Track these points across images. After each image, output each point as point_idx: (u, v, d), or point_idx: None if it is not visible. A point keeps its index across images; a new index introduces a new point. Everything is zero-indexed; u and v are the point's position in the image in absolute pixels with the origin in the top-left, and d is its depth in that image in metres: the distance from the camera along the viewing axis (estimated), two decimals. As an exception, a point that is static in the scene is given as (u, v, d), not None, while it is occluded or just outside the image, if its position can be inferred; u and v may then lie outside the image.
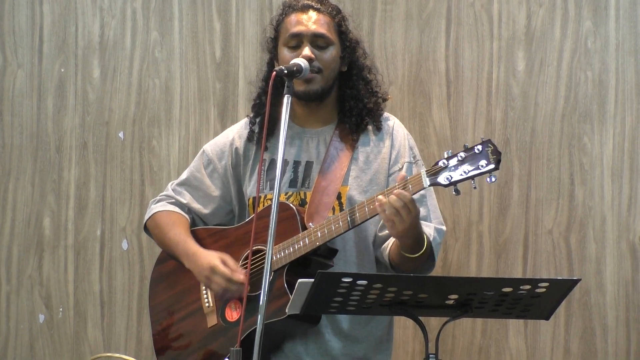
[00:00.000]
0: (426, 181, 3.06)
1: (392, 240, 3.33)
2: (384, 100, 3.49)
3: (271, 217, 2.97)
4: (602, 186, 4.36)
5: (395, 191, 3.08)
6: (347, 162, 3.39)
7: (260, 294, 2.97)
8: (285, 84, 3.17)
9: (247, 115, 3.59)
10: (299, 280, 2.93)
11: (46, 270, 4.66)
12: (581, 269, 4.36)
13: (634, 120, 4.35)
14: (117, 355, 4.07)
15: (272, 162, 3.45)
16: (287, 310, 3.07)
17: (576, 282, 2.93)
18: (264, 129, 3.21)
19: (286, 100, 3.12)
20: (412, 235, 3.17)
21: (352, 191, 3.38)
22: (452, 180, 3.03)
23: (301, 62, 3.28)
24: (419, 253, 3.22)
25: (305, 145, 3.45)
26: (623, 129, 4.35)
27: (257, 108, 3.52)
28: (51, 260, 4.66)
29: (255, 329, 2.94)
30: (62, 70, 4.68)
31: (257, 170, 3.46)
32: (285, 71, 3.21)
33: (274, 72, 3.20)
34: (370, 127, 3.45)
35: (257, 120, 3.51)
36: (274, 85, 3.20)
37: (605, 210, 4.35)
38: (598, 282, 4.35)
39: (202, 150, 3.61)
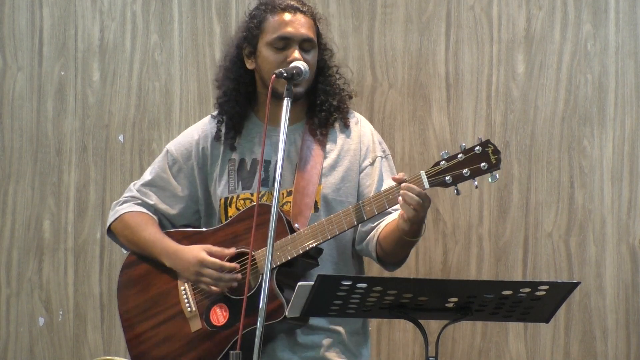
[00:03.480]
0: (426, 182, 3.07)
1: (378, 230, 3.34)
2: (350, 97, 3.50)
3: (271, 218, 2.96)
4: (602, 189, 4.36)
5: (413, 189, 3.10)
6: (320, 160, 3.39)
7: (249, 296, 2.97)
8: (285, 87, 3.17)
9: (211, 114, 3.55)
10: (299, 283, 2.93)
11: (46, 273, 4.66)
12: (581, 271, 4.36)
13: (633, 123, 4.35)
14: (117, 358, 4.07)
15: (242, 162, 3.45)
16: (287, 314, 3.07)
17: (576, 285, 2.93)
18: (264, 131, 3.18)
19: (286, 102, 3.12)
20: (420, 222, 3.19)
21: (325, 189, 3.38)
22: (453, 180, 3.04)
23: (301, 65, 3.28)
24: (418, 237, 3.23)
25: (275, 144, 3.38)
26: (623, 132, 4.36)
27: (223, 106, 3.49)
28: (51, 263, 4.66)
29: (248, 331, 2.94)
30: (62, 73, 4.68)
31: (226, 170, 3.45)
32: (285, 74, 3.21)
33: (274, 75, 3.20)
34: (337, 125, 3.45)
35: (224, 118, 3.49)
36: (244, 84, 3.32)
37: (605, 213, 4.35)
38: (598, 285, 4.35)
39: (165, 150, 3.56)
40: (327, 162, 3.41)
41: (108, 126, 4.66)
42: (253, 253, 3.28)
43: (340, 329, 3.39)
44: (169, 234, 3.47)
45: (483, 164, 3.00)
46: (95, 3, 4.68)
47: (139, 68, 4.65)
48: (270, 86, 3.20)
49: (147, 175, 3.55)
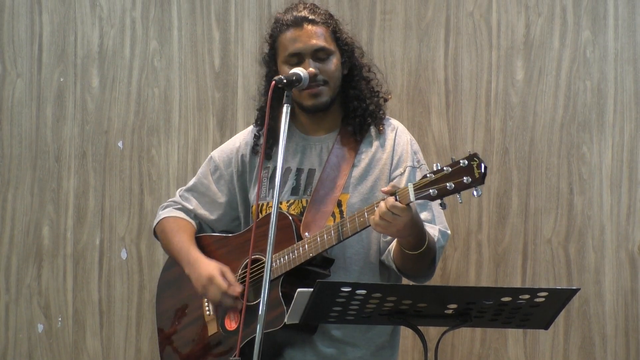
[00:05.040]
0: (412, 195, 3.02)
1: (394, 242, 3.31)
2: (385, 100, 3.49)
3: (270, 226, 2.97)
4: (601, 195, 4.36)
5: (387, 202, 3.07)
6: (348, 169, 3.38)
7: (256, 303, 2.96)
8: (285, 94, 3.17)
9: (254, 124, 3.61)
10: (298, 289, 2.93)
11: (45, 280, 4.66)
12: (580, 278, 4.35)
13: (632, 130, 4.35)
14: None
15: (275, 170, 3.45)
16: (286, 320, 3.07)
17: (575, 291, 2.93)
18: (263, 137, 3.22)
19: (285, 109, 3.12)
20: (411, 234, 3.14)
21: (353, 199, 3.37)
22: (438, 194, 2.98)
23: (300, 71, 3.27)
24: (419, 250, 3.19)
25: (308, 153, 3.45)
26: (622, 138, 4.36)
27: (261, 118, 3.53)
28: (50, 269, 4.66)
29: (254, 337, 2.94)
30: (61, 79, 4.69)
31: (260, 178, 3.48)
32: (285, 81, 3.21)
33: (273, 82, 3.20)
34: (372, 132, 3.44)
35: (261, 131, 3.53)
36: (276, 94, 3.20)
37: (604, 219, 4.35)
38: (597, 291, 4.35)
39: (209, 156, 3.63)
40: (357, 172, 3.40)
41: (107, 132, 4.66)
42: (263, 260, 3.29)
43: (364, 343, 3.38)
44: (201, 238, 3.56)
45: (466, 178, 2.91)
46: (95, 9, 4.68)
47: (138, 74, 4.66)
48: (270, 93, 3.20)
49: (191, 180, 3.65)
